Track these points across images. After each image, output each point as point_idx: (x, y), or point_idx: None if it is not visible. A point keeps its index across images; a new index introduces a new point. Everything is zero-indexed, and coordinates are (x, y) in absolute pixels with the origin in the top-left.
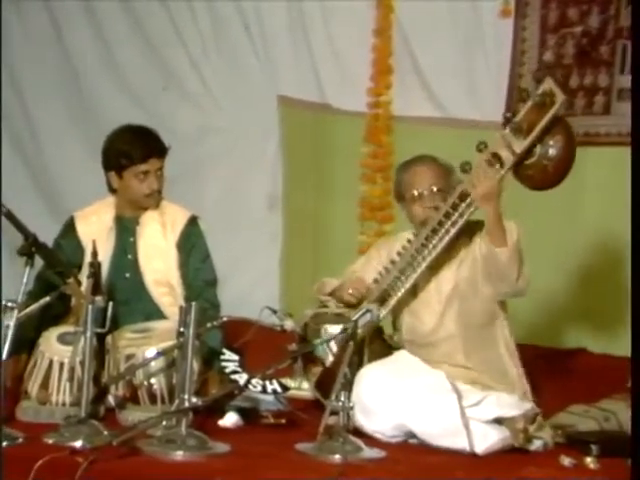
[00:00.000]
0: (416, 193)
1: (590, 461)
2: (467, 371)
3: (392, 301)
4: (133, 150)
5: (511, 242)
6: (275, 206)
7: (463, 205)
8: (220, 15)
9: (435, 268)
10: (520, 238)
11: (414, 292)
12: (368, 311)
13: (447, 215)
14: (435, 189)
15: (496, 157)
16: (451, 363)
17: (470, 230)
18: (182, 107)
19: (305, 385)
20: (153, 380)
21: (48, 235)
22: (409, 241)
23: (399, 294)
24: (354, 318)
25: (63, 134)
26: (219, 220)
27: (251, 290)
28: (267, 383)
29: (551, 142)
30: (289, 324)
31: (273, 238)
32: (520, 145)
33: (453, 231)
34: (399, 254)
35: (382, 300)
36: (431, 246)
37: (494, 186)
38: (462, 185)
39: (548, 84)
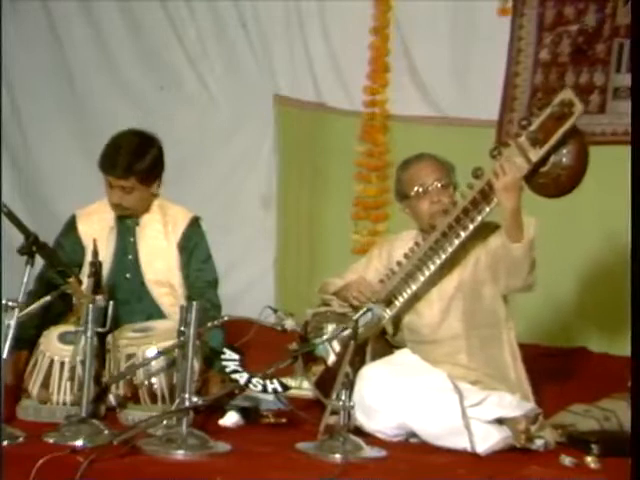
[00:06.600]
0: (421, 189)
1: (591, 460)
2: (468, 371)
3: (398, 303)
4: (101, 158)
5: (527, 238)
6: (269, 205)
7: (478, 207)
8: (217, 14)
9: (438, 267)
10: (536, 234)
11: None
12: (369, 310)
13: (457, 220)
14: (439, 185)
15: None
16: (453, 362)
17: (475, 231)
18: (178, 106)
19: (305, 384)
20: (154, 379)
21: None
22: (417, 244)
23: (405, 296)
24: (355, 317)
25: (55, 134)
26: (214, 219)
27: (246, 290)
28: (268, 382)
29: (565, 151)
30: (290, 324)
31: (268, 237)
32: (536, 154)
33: (464, 235)
34: (406, 256)
35: (388, 302)
36: (441, 250)
37: (518, 179)
38: (480, 183)
39: (567, 94)
